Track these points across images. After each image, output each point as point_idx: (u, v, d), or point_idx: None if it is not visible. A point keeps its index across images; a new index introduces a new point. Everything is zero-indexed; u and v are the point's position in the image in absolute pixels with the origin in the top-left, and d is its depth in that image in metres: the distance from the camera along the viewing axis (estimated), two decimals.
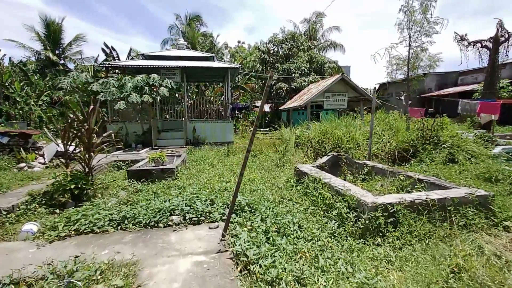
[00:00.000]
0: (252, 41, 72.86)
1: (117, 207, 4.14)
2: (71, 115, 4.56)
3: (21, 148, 7.35)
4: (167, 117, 16.11)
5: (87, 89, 9.79)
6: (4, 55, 29.21)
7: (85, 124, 4.42)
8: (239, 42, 49.37)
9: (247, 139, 17.03)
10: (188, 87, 25.05)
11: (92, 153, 4.64)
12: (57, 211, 4.25)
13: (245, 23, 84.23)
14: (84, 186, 4.43)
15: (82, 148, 4.36)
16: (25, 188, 4.91)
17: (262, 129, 26.05)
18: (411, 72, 10.73)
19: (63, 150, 4.41)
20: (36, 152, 7.63)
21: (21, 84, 23.61)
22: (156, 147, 11.60)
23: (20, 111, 22.86)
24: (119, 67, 13.27)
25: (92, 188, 4.63)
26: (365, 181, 5.53)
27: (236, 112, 24.13)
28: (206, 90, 30.76)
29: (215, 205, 4.23)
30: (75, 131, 4.51)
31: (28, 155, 7.20)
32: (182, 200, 4.22)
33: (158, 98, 10.80)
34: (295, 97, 18.53)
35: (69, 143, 4.41)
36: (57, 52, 29.25)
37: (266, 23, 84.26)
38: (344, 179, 5.44)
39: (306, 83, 24.99)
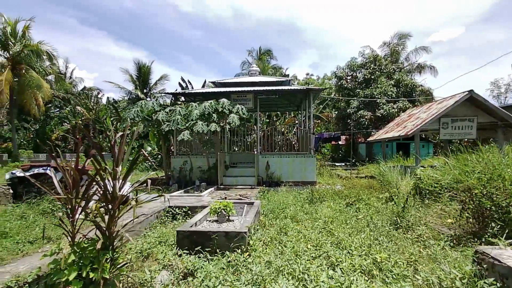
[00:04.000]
0: (320, 73, 71.55)
1: None
2: (88, 144, 2.79)
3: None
4: (236, 149, 14.61)
5: (151, 119, 8.77)
6: (103, 94, 33.58)
7: (104, 165, 2.54)
8: (307, 74, 48.44)
9: (328, 176, 14.08)
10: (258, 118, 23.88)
11: (115, 211, 2.68)
12: None
13: (309, 60, 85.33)
14: (92, 274, 2.42)
15: (94, 206, 2.44)
16: (27, 260, 3.21)
17: (337, 164, 22.59)
18: None
19: (70, 206, 2.59)
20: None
21: (111, 119, 26.21)
22: (222, 186, 9.76)
23: (109, 144, 25.18)
24: (187, 94, 12.50)
25: (109, 273, 2.57)
26: None
27: (320, 143, 21.51)
28: (277, 120, 29.53)
29: None
30: (95, 174, 2.63)
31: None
32: None
33: (227, 127, 9.17)
34: (391, 126, 15.06)
35: (78, 195, 2.57)
36: (145, 91, 32.29)
37: (330, 59, 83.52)
38: None
39: (395, 109, 21.07)
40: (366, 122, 21.92)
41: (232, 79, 14.96)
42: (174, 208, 5.97)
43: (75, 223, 2.52)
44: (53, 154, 2.61)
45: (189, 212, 6.08)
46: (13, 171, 6.74)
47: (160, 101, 30.17)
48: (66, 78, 31.26)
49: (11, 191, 6.46)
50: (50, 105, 28.60)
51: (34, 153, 24.15)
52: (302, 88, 11.43)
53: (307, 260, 3.50)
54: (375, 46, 51.24)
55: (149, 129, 8.85)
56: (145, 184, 2.76)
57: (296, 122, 24.40)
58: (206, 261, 3.38)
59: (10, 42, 18.82)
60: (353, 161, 19.37)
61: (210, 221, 4.78)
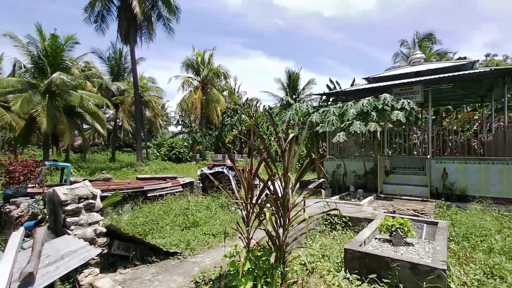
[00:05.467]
0: (508, 51, 50.13)
1: None
2: (256, 147, 2.76)
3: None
4: (389, 153, 12.48)
5: (305, 121, 8.81)
6: (261, 103, 38.50)
7: (273, 168, 2.40)
8: (487, 55, 34.66)
9: None
10: (420, 115, 19.88)
11: (286, 221, 2.50)
12: None
13: (484, 39, 62.06)
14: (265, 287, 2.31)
15: (268, 214, 2.33)
16: (211, 253, 3.66)
17: None
18: None
19: (246, 211, 2.63)
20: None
21: (267, 124, 29.49)
22: (382, 195, 8.44)
23: (260, 146, 28.60)
24: (338, 94, 11.82)
25: None
26: None
27: None
28: (446, 117, 23.69)
29: None
30: (267, 179, 2.57)
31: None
32: None
33: (388, 126, 7.82)
34: None
35: (252, 199, 2.57)
36: (294, 96, 34.32)
37: None
38: None
39: None
40: None
41: (389, 72, 12.97)
42: (332, 216, 5.52)
43: (249, 229, 2.53)
44: (231, 156, 2.75)
45: (349, 223, 5.46)
46: (202, 169, 8.51)
47: (305, 102, 31.13)
48: (235, 92, 38.09)
49: (201, 184, 8.16)
50: (224, 115, 35.67)
51: (215, 153, 30.76)
52: (503, 68, 8.18)
53: None
54: None
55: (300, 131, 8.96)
56: (303, 189, 2.45)
57: (475, 117, 18.59)
58: None
59: (200, 69, 25.04)
60: None
61: (380, 240, 3.97)
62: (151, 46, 22.51)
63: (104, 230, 3.04)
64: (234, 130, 33.67)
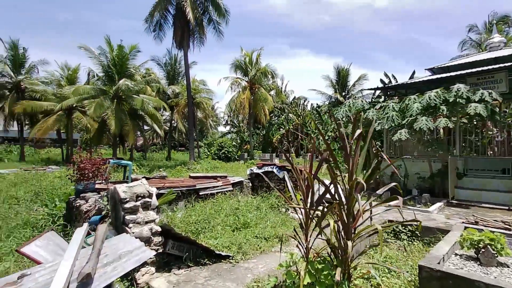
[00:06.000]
0: None
1: None
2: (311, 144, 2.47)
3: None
4: (460, 152, 10.78)
5: (359, 118, 8.11)
6: (308, 101, 37.37)
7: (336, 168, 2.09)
8: None
9: None
10: (497, 108, 16.97)
11: (351, 232, 2.18)
12: None
13: None
14: None
15: (332, 224, 2.04)
16: (263, 259, 3.47)
17: None
18: None
19: (305, 217, 2.37)
20: None
21: (316, 123, 28.54)
22: (454, 202, 7.33)
23: (309, 145, 27.83)
24: (397, 87, 10.68)
25: None
26: None
27: None
28: None
29: None
30: (330, 182, 2.29)
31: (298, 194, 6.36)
32: None
33: (462, 121, 6.74)
34: None
35: (312, 204, 2.30)
36: (343, 93, 32.58)
37: None
38: None
39: None
40: None
41: (459, 61, 11.36)
42: (395, 224, 4.89)
43: (309, 237, 2.26)
44: (288, 156, 2.53)
45: (415, 232, 4.79)
46: (251, 168, 8.43)
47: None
48: (282, 92, 37.75)
49: (250, 184, 8.09)
50: (272, 114, 35.60)
51: (262, 153, 30.91)
52: None
53: None
54: None
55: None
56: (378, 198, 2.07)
57: None
58: None
59: (248, 69, 25.35)
60: None
61: (461, 257, 3.32)
62: (202, 49, 23.57)
63: (159, 229, 3.09)
64: (282, 129, 33.37)
